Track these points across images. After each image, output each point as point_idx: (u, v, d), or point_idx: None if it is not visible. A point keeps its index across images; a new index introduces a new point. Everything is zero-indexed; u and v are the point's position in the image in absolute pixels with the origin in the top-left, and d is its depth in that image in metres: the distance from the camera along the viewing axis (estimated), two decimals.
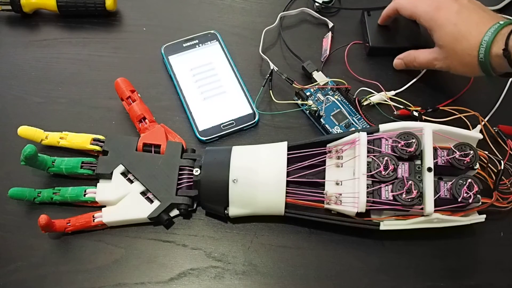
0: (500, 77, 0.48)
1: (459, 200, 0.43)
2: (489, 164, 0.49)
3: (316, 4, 0.61)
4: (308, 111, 0.55)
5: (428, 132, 0.46)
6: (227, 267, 0.47)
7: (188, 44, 0.58)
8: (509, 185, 0.48)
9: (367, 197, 0.44)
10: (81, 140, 0.50)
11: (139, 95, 0.52)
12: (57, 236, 0.48)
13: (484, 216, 0.46)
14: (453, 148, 0.45)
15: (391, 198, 0.44)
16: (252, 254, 0.48)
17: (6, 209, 0.49)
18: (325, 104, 0.54)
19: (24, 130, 0.50)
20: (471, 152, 0.45)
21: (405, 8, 0.53)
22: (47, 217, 0.44)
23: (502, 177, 0.48)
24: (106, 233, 0.48)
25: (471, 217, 0.46)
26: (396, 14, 0.55)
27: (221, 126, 0.54)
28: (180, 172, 0.48)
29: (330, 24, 0.59)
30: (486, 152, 0.49)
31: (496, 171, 0.48)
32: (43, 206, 0.49)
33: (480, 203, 0.44)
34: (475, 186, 0.44)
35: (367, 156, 0.45)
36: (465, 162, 0.45)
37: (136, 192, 0.48)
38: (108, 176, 0.48)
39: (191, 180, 0.48)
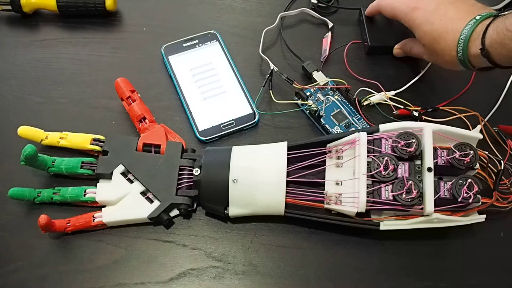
0: (479, 71, 0.48)
1: (459, 200, 0.43)
2: (489, 164, 0.49)
3: (313, 1, 0.60)
4: (308, 111, 0.55)
5: (428, 132, 0.46)
6: (227, 267, 0.47)
7: (188, 44, 0.58)
8: (509, 185, 0.48)
9: (367, 197, 0.44)
10: (81, 140, 0.50)
11: (139, 95, 0.52)
12: (57, 236, 0.48)
13: (484, 216, 0.46)
14: (453, 148, 0.45)
15: (391, 198, 0.44)
16: (252, 254, 0.48)
17: (6, 209, 0.49)
18: (325, 104, 0.54)
19: (24, 130, 0.50)
20: (471, 152, 0.45)
21: (385, 10, 0.54)
22: (47, 217, 0.44)
23: (502, 177, 0.48)
24: (106, 233, 0.48)
25: (471, 217, 0.46)
26: (380, 14, 0.56)
27: (221, 126, 0.54)
28: (180, 172, 0.48)
29: (330, 24, 0.59)
30: (486, 152, 0.49)
31: (496, 171, 0.48)
32: (43, 206, 0.49)
33: (480, 203, 0.44)
34: (475, 186, 0.43)
35: (367, 156, 0.45)
36: (465, 162, 0.45)
37: (136, 192, 0.48)
38: (108, 176, 0.48)
39: (191, 180, 0.48)
